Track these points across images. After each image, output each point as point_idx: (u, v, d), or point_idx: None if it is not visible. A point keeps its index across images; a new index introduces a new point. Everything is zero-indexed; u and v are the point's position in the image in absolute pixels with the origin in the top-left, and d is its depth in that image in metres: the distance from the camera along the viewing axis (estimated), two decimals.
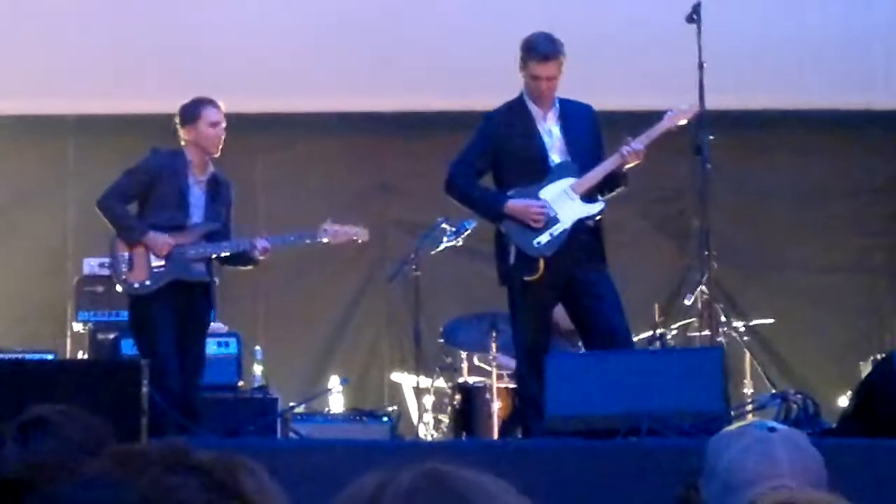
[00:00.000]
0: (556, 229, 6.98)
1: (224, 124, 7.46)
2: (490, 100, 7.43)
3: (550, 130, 7.16)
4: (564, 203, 7.02)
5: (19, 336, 10.05)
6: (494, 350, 8.70)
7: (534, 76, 7.06)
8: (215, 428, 6.89)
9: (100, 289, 9.02)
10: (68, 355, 9.65)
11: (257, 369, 9.11)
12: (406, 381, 9.70)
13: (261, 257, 7.55)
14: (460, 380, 9.00)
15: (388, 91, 10.76)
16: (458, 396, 8.76)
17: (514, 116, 7.16)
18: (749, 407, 8.28)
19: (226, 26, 10.42)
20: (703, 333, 8.33)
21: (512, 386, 8.42)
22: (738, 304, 10.42)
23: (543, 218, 6.96)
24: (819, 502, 2.29)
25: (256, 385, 8.87)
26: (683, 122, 7.30)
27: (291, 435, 7.49)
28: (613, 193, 7.23)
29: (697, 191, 7.87)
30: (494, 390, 8.54)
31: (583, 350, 7.40)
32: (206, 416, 7.27)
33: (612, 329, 6.92)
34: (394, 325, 10.93)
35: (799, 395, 6.51)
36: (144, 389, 6.03)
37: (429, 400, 9.08)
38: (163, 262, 7.32)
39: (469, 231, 8.49)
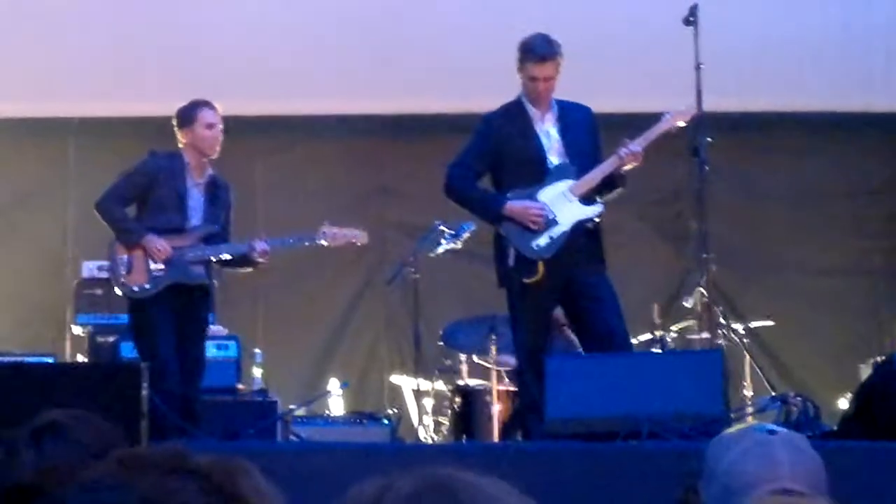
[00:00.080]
0: (555, 231, 6.98)
1: (221, 126, 7.46)
2: (489, 102, 7.43)
3: (548, 132, 7.16)
4: (563, 205, 7.02)
5: (18, 339, 10.05)
6: (494, 352, 8.69)
7: (531, 77, 7.07)
8: (215, 431, 6.88)
9: (99, 292, 9.02)
10: (67, 358, 9.65)
11: (257, 372, 9.11)
12: (406, 383, 9.70)
13: (260, 260, 7.55)
14: (460, 382, 8.99)
15: (387, 93, 10.76)
16: (457, 399, 8.76)
17: (513, 118, 7.16)
18: (749, 409, 8.28)
19: (226, 29, 10.42)
20: (703, 336, 8.32)
21: (512, 388, 8.42)
22: (738, 307, 10.42)
23: (542, 220, 6.96)
24: None
25: (256, 388, 8.87)
26: (681, 123, 7.30)
27: (291, 438, 7.49)
28: (612, 195, 7.23)
29: (695, 193, 7.86)
30: (494, 393, 8.53)
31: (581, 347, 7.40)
32: (206, 418, 7.26)
33: (610, 331, 6.91)
34: (393, 328, 10.93)
35: (799, 398, 6.51)
36: (144, 392, 6.03)
37: (428, 402, 9.08)
38: (162, 266, 7.32)
39: (468, 234, 8.49)
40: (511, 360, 8.21)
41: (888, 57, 10.79)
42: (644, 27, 10.17)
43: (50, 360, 8.73)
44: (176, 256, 7.32)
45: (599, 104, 7.46)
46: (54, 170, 11.04)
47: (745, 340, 9.19)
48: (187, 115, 7.45)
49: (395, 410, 9.36)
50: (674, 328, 9.14)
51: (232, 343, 8.63)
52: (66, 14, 10.44)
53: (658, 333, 9.01)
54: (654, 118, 7.27)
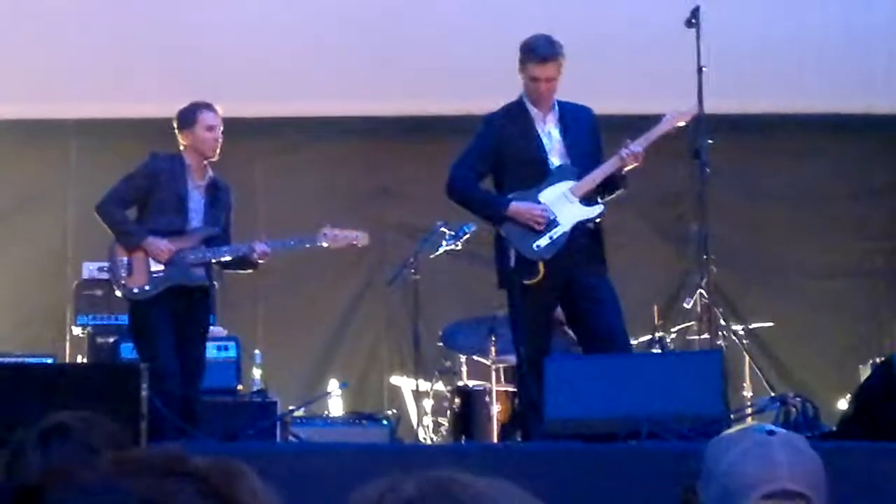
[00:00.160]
0: (556, 232, 6.98)
1: (221, 128, 7.46)
2: (489, 103, 7.43)
3: (550, 133, 7.16)
4: (564, 206, 7.02)
5: (18, 340, 10.05)
6: (494, 353, 8.69)
7: (533, 78, 7.07)
8: (214, 432, 6.88)
9: (99, 293, 9.03)
10: (67, 359, 9.65)
11: (256, 373, 9.11)
12: (405, 384, 9.70)
13: (260, 261, 7.56)
14: (460, 383, 9.00)
15: (387, 95, 10.77)
16: (457, 400, 8.76)
17: (514, 119, 7.16)
18: (748, 410, 8.28)
19: (226, 30, 10.42)
20: (703, 337, 8.32)
21: (511, 389, 8.42)
22: (738, 308, 10.42)
23: (545, 221, 6.96)
24: None
25: (256, 389, 8.87)
26: (682, 124, 7.30)
27: (291, 438, 7.50)
28: (613, 196, 7.23)
29: (696, 194, 7.87)
30: (494, 393, 8.54)
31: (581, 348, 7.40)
32: (206, 419, 7.26)
33: (610, 332, 6.91)
34: (393, 329, 10.93)
35: (798, 399, 6.51)
36: (144, 393, 6.03)
37: (428, 403, 9.08)
38: (162, 267, 7.33)
39: (468, 235, 8.50)
40: (509, 358, 8.21)
41: (889, 58, 10.79)
42: (645, 28, 10.17)
43: (50, 361, 8.73)
44: (176, 258, 7.33)
45: (600, 105, 7.46)
46: (55, 171, 11.04)
47: (744, 341, 9.19)
48: (187, 117, 7.46)
49: (395, 411, 9.37)
50: (674, 329, 9.15)
51: (232, 344, 8.63)
52: (67, 15, 10.44)
53: (658, 334, 9.01)
54: (656, 120, 7.27)
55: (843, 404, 8.85)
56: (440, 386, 9.19)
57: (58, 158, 11.06)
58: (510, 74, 7.20)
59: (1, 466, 2.88)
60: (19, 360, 8.51)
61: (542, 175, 7.08)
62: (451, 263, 9.39)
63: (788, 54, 10.61)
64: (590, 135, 7.24)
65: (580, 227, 7.03)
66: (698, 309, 8.40)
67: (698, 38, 7.77)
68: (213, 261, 7.48)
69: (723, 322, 8.53)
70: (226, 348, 8.55)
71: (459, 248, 8.68)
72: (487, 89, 7.87)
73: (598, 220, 7.12)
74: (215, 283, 7.62)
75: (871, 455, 5.42)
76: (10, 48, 10.40)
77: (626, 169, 7.11)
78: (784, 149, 11.24)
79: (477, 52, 10.04)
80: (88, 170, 10.36)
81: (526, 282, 6.89)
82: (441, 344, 9.27)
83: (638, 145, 7.07)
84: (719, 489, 2.64)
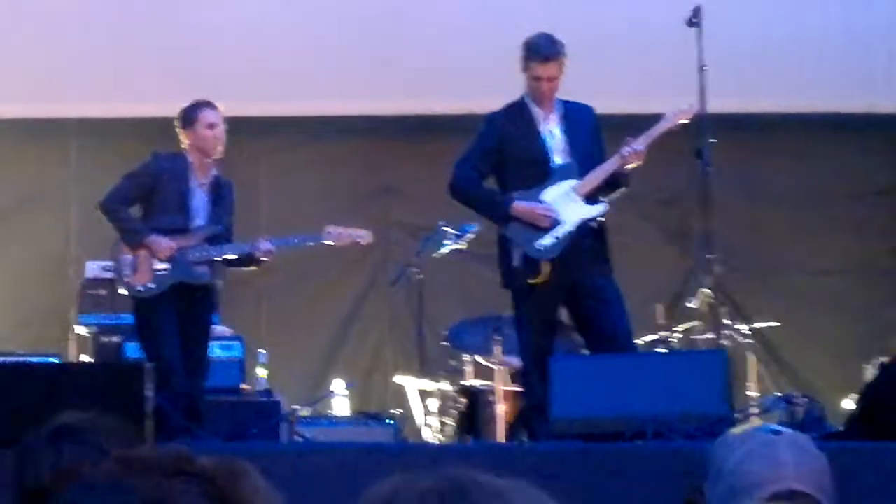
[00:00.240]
0: (560, 231, 6.98)
1: (223, 126, 7.47)
2: (492, 102, 7.43)
3: (552, 132, 7.15)
4: (567, 205, 7.02)
5: (22, 339, 10.04)
6: (499, 353, 8.68)
7: (535, 77, 7.06)
8: (219, 431, 6.89)
9: (103, 292, 9.02)
10: (71, 359, 9.64)
11: (261, 372, 9.11)
12: (410, 384, 9.69)
13: (264, 259, 7.56)
14: (465, 383, 8.98)
15: (390, 94, 10.76)
16: (462, 399, 8.75)
17: (516, 118, 7.16)
18: (754, 410, 8.27)
19: (228, 29, 10.42)
20: (707, 337, 8.32)
21: (517, 389, 8.41)
22: (742, 307, 10.40)
23: (550, 219, 6.95)
24: None
25: (260, 388, 8.87)
26: (683, 121, 7.29)
27: (295, 438, 7.49)
28: (615, 194, 7.22)
29: (699, 194, 7.86)
30: (499, 393, 8.52)
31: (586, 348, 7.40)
32: (210, 419, 7.27)
33: (615, 332, 6.91)
34: (397, 328, 10.92)
35: (804, 398, 6.52)
36: (149, 392, 6.03)
37: (433, 403, 9.07)
38: (166, 266, 7.33)
39: (472, 234, 8.49)
40: (514, 361, 8.20)
41: (890, 57, 10.77)
42: (647, 28, 10.16)
43: (55, 361, 8.72)
44: (180, 256, 7.33)
45: (602, 104, 7.45)
46: (56, 170, 11.03)
47: (749, 341, 9.19)
48: (189, 115, 7.47)
49: (400, 411, 9.36)
50: (678, 329, 9.13)
51: (236, 343, 8.63)
52: (67, 15, 10.44)
53: (662, 334, 9.00)
54: (657, 119, 7.27)
55: (847, 404, 8.84)
56: (445, 385, 9.18)
57: (59, 158, 11.05)
58: (512, 73, 7.20)
59: (9, 468, 2.88)
60: (24, 359, 8.50)
61: (544, 174, 7.07)
62: (454, 263, 9.38)
63: (790, 54, 10.59)
64: (592, 134, 7.24)
65: (584, 227, 7.03)
66: (702, 308, 8.40)
67: (700, 37, 7.76)
68: (217, 259, 7.48)
69: (727, 322, 8.53)
70: (230, 347, 8.55)
71: (463, 247, 8.68)
72: (489, 88, 7.87)
73: (601, 219, 7.11)
74: (219, 281, 7.62)
75: (876, 455, 5.42)
76: (10, 48, 10.39)
77: (629, 167, 7.10)
78: (786, 148, 11.22)
79: (479, 52, 10.03)
80: (89, 169, 10.35)
81: (530, 281, 6.89)
82: (446, 343, 9.26)
83: (639, 143, 7.07)
84: (725, 489, 2.64)
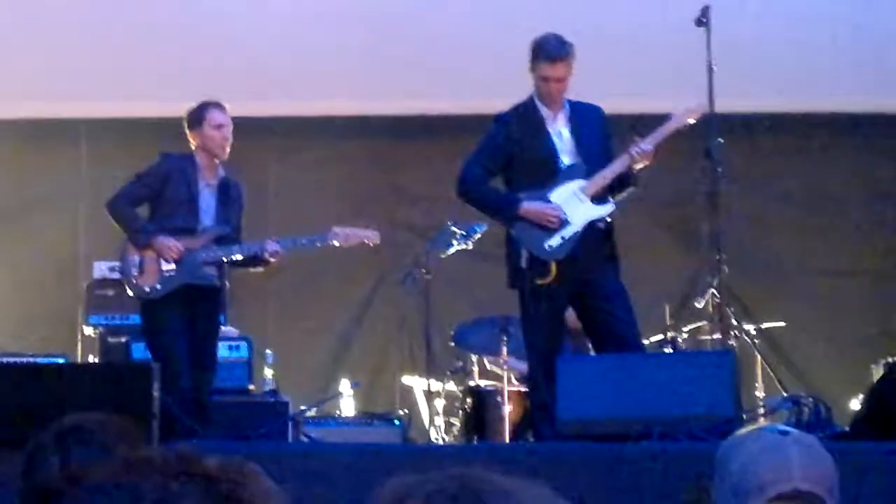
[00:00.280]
0: (568, 232, 6.97)
1: (230, 126, 7.48)
2: (500, 103, 7.42)
3: (560, 132, 7.14)
4: (575, 205, 7.01)
5: (30, 340, 10.06)
6: (505, 353, 8.69)
7: (543, 78, 7.05)
8: (226, 431, 6.89)
9: (110, 292, 9.03)
10: (79, 359, 9.65)
11: (268, 373, 9.12)
12: (417, 384, 9.70)
13: (272, 260, 7.56)
14: (471, 383, 8.99)
15: (397, 94, 10.77)
16: (469, 400, 8.76)
17: (524, 118, 7.15)
18: (761, 410, 8.26)
19: (238, 30, 10.42)
20: (714, 337, 8.31)
21: (523, 389, 8.41)
22: (749, 308, 10.39)
23: (558, 220, 6.95)
24: None
25: (267, 389, 8.88)
26: (692, 120, 7.27)
27: (302, 438, 7.50)
28: (624, 194, 7.21)
29: (707, 194, 7.85)
30: (506, 394, 8.53)
31: (592, 351, 7.39)
32: (218, 419, 7.28)
33: (622, 333, 6.90)
34: (404, 329, 10.92)
35: (810, 399, 6.49)
36: (156, 393, 6.04)
37: (440, 403, 9.08)
38: (173, 266, 7.34)
39: (479, 234, 8.50)
40: (521, 367, 8.21)
41: None
42: (655, 27, 10.15)
43: (62, 361, 8.73)
44: (187, 257, 7.34)
45: (610, 104, 7.44)
46: (65, 171, 11.05)
47: (756, 341, 9.18)
48: (196, 116, 7.48)
49: (407, 411, 9.36)
50: (685, 329, 9.13)
51: (243, 344, 8.64)
52: (77, 15, 10.45)
53: (670, 334, 8.99)
54: (665, 119, 7.25)
55: (855, 404, 8.83)
56: (452, 386, 9.19)
57: (68, 158, 11.07)
58: (520, 74, 7.19)
59: (18, 468, 2.88)
60: (31, 359, 8.51)
61: (552, 174, 7.06)
62: (462, 263, 9.38)
63: (798, 53, 10.57)
64: (600, 134, 7.23)
65: (592, 227, 7.02)
66: (710, 309, 8.39)
67: (708, 36, 7.76)
68: (224, 260, 7.48)
69: (735, 322, 8.52)
70: (238, 348, 8.56)
71: (470, 247, 8.68)
72: (497, 89, 7.85)
73: (609, 219, 7.11)
74: (226, 282, 7.63)
75: (883, 455, 5.41)
76: (20, 48, 10.41)
77: (638, 167, 7.09)
78: (794, 148, 11.22)
79: (486, 52, 10.04)
80: (99, 169, 10.37)
81: (538, 282, 6.88)
82: (453, 344, 9.26)
83: (648, 143, 7.05)
84: (732, 489, 2.64)
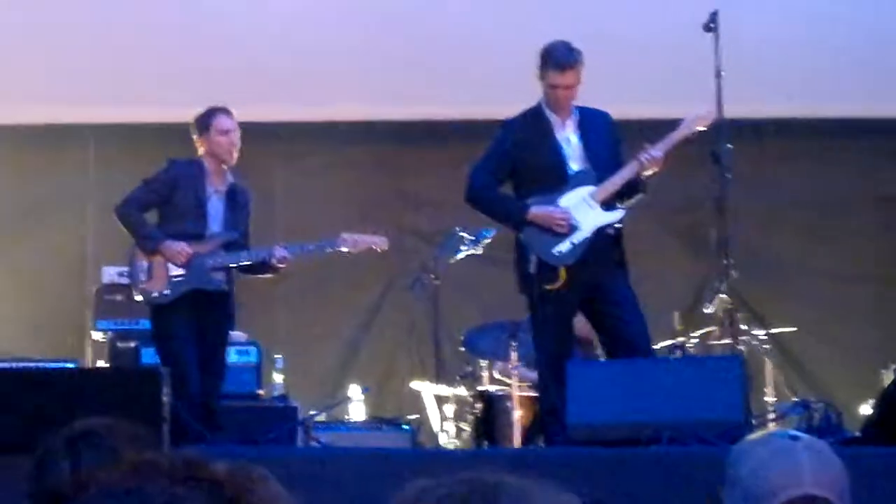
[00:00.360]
0: (577, 237, 6.97)
1: (237, 132, 7.48)
2: (508, 109, 7.42)
3: (569, 139, 7.14)
4: (584, 211, 7.01)
5: (39, 345, 10.06)
6: (515, 359, 8.67)
7: (552, 85, 7.05)
8: (236, 436, 6.89)
9: (119, 297, 9.03)
10: (88, 364, 9.66)
11: (277, 378, 9.11)
12: (426, 389, 9.68)
13: (280, 266, 7.57)
14: (481, 388, 8.97)
15: (405, 100, 10.77)
16: (478, 405, 8.74)
17: (533, 125, 7.15)
18: (771, 415, 8.25)
19: (247, 35, 10.43)
20: (724, 342, 8.30)
21: (533, 394, 8.40)
22: (759, 313, 10.38)
23: (567, 225, 6.94)
24: None
25: (277, 393, 8.88)
26: (702, 127, 7.27)
27: (312, 443, 7.49)
28: (633, 201, 7.21)
29: (716, 200, 7.84)
30: (515, 398, 8.52)
31: (601, 359, 7.39)
32: (227, 424, 7.27)
33: (632, 338, 6.90)
34: (414, 334, 10.92)
35: (821, 404, 6.49)
36: (165, 398, 6.04)
37: (450, 408, 9.06)
38: (181, 272, 7.34)
39: (488, 239, 8.49)
40: (531, 375, 8.20)
41: None
42: (664, 33, 10.13)
43: (72, 366, 8.74)
44: (196, 262, 7.34)
45: (619, 110, 7.44)
46: (74, 176, 11.07)
47: (766, 346, 9.16)
48: (203, 122, 7.49)
49: (416, 416, 9.35)
50: (695, 334, 9.11)
51: (253, 349, 8.64)
52: (87, 19, 10.46)
53: (679, 340, 8.98)
54: (674, 124, 7.25)
55: (865, 409, 8.81)
56: (462, 391, 9.18)
57: (76, 163, 11.09)
58: (528, 80, 7.19)
59: (27, 473, 2.89)
60: (41, 365, 8.51)
61: (561, 181, 7.06)
62: (471, 268, 9.38)
63: (807, 58, 10.56)
64: (608, 140, 7.23)
65: (601, 233, 7.01)
66: (719, 314, 8.37)
67: (717, 42, 7.75)
68: (232, 265, 7.49)
69: (744, 327, 8.51)
70: (247, 353, 8.56)
71: (479, 252, 8.68)
72: (505, 95, 7.85)
73: (618, 225, 7.10)
74: (234, 287, 7.63)
75: (893, 460, 5.40)
76: (28, 53, 10.42)
77: (647, 174, 7.09)
78: (803, 153, 11.21)
79: (494, 58, 10.03)
80: (107, 175, 10.37)
81: (547, 287, 6.88)
82: (462, 349, 9.26)
83: (658, 150, 7.05)
84: (742, 494, 2.63)
